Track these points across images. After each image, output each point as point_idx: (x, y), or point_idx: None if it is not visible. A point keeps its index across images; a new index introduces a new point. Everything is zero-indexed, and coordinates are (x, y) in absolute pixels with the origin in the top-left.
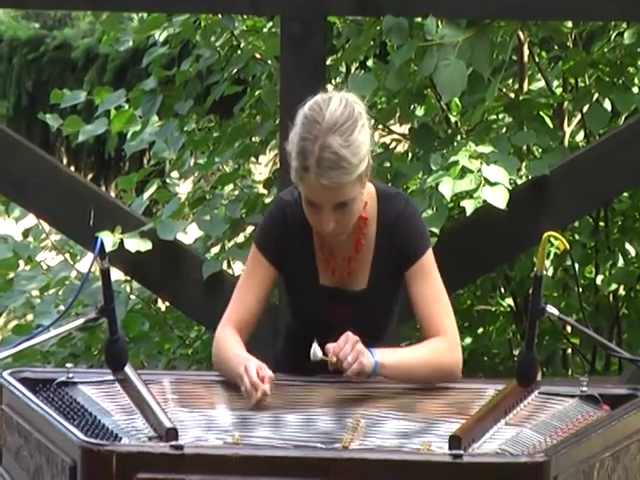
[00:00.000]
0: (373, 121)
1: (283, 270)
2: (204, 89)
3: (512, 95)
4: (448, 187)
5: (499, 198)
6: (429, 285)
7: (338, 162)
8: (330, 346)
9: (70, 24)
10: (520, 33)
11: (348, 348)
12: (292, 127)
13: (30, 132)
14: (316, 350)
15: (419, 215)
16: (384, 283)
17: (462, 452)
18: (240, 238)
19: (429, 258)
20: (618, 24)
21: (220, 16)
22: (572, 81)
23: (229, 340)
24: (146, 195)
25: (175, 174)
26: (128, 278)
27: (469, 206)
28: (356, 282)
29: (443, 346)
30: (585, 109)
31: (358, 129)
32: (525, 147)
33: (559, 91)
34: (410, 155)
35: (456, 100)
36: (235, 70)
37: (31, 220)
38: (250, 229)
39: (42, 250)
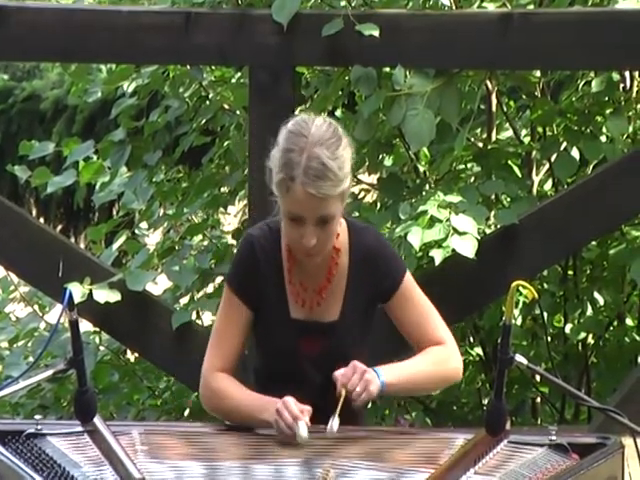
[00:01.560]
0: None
1: (255, 308)
2: (173, 140)
3: (480, 144)
4: (417, 237)
5: (468, 247)
6: (416, 307)
7: (325, 172)
8: (338, 375)
9: (39, 75)
10: (488, 82)
11: (356, 379)
12: (273, 145)
13: None
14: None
15: (389, 245)
16: (356, 314)
17: None
18: (209, 288)
19: (408, 280)
20: (586, 73)
21: (189, 67)
22: (540, 130)
23: (230, 386)
24: (115, 246)
25: (144, 225)
26: (97, 329)
27: (438, 256)
28: (327, 314)
29: (443, 353)
30: (553, 158)
31: (342, 146)
32: (494, 196)
33: (527, 140)
34: (379, 205)
35: (424, 150)
36: (204, 121)
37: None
38: (219, 279)
39: (11, 302)
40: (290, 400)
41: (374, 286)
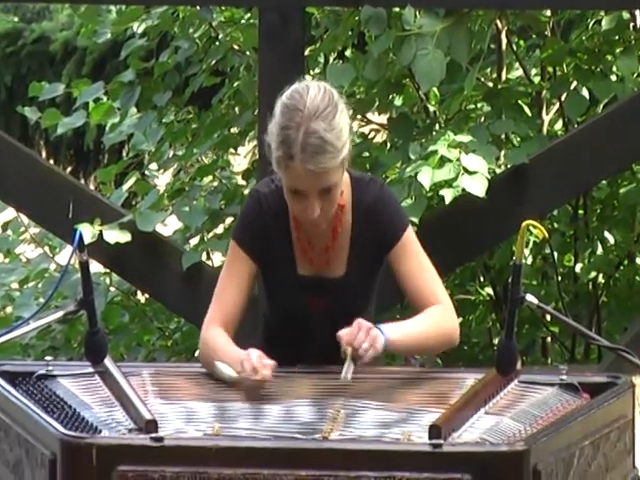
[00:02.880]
0: (352, 111)
1: (262, 263)
2: (182, 81)
3: (490, 84)
4: (427, 176)
5: (478, 187)
6: (414, 260)
7: (323, 146)
8: (342, 334)
9: (48, 17)
10: (498, 22)
11: (362, 336)
12: (270, 118)
13: (9, 125)
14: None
15: (394, 198)
16: (362, 269)
17: (442, 442)
18: (219, 229)
19: (410, 235)
20: (596, 12)
21: (198, 8)
22: (550, 70)
23: (219, 340)
24: (125, 187)
25: (154, 166)
26: (107, 270)
27: (448, 195)
28: (334, 270)
29: (441, 314)
30: (563, 97)
31: (339, 114)
32: (504, 136)
33: (537, 79)
34: (389, 145)
35: (434, 89)
36: (213, 62)
37: (10, 213)
38: (229, 220)
39: (21, 243)
40: (252, 353)
41: (377, 239)
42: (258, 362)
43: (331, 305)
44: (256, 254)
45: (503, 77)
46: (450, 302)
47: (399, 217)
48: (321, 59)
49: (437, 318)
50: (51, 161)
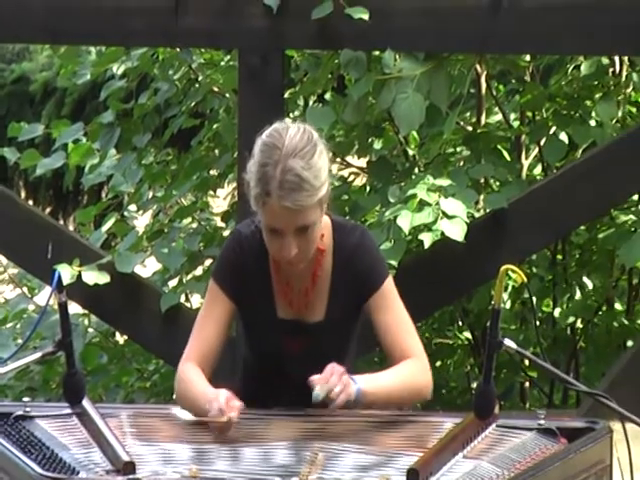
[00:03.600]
0: (331, 154)
1: (241, 304)
2: (162, 122)
3: (470, 128)
4: (406, 220)
5: (457, 231)
6: (393, 312)
7: (300, 184)
8: (315, 378)
9: (28, 58)
10: (478, 66)
11: (335, 379)
12: (249, 158)
13: None
14: (318, 392)
15: (376, 246)
16: (341, 315)
17: None
18: (198, 271)
19: (389, 285)
20: (575, 58)
21: (178, 50)
22: (529, 114)
23: (193, 377)
24: (104, 228)
25: (133, 207)
26: (86, 311)
27: (427, 239)
28: (313, 314)
29: (416, 368)
30: (542, 142)
31: (318, 154)
32: (483, 180)
33: (516, 124)
34: (368, 188)
35: (414, 133)
36: (193, 103)
37: None
38: (208, 262)
39: (0, 283)
40: (222, 394)
41: (357, 286)
42: (225, 403)
43: (310, 349)
44: (235, 295)
45: (482, 121)
46: (425, 356)
47: (380, 266)
48: (301, 102)
49: (411, 372)
50: (30, 202)
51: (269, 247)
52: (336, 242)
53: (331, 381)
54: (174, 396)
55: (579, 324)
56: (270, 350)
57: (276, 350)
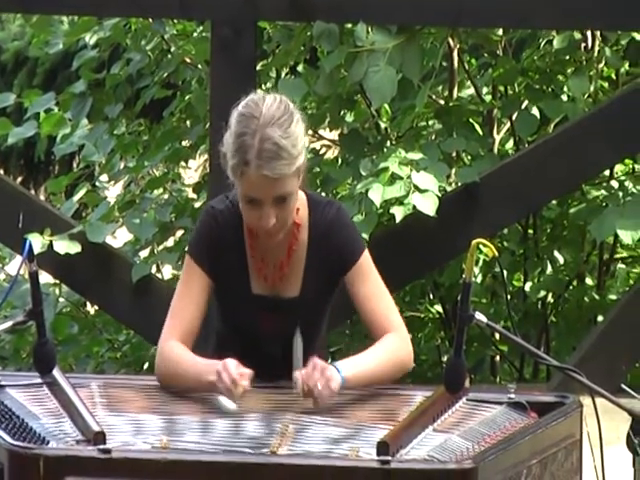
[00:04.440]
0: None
1: (216, 279)
2: (134, 93)
3: (442, 102)
4: (378, 193)
5: (428, 205)
6: (371, 284)
7: (278, 152)
8: (298, 375)
9: (0, 27)
10: (450, 40)
11: (317, 375)
12: (225, 129)
13: None
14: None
15: (352, 222)
16: (317, 290)
17: (390, 458)
18: (170, 242)
19: (367, 259)
20: (547, 32)
21: (151, 20)
22: (502, 88)
23: (180, 353)
24: (75, 198)
25: (105, 177)
26: (57, 281)
27: (399, 213)
28: (288, 290)
29: (397, 342)
30: (514, 116)
31: (294, 123)
32: (455, 154)
33: (488, 98)
34: (340, 161)
35: (386, 106)
36: (165, 74)
37: None
38: (180, 233)
39: None
40: (231, 362)
41: (333, 261)
42: (236, 373)
43: (284, 324)
44: (211, 270)
45: (454, 95)
46: (404, 327)
47: (356, 240)
48: (273, 74)
49: (392, 348)
50: (1, 171)
51: (247, 219)
52: (312, 217)
53: (313, 377)
54: (157, 375)
55: (550, 298)
56: (244, 325)
57: (250, 325)
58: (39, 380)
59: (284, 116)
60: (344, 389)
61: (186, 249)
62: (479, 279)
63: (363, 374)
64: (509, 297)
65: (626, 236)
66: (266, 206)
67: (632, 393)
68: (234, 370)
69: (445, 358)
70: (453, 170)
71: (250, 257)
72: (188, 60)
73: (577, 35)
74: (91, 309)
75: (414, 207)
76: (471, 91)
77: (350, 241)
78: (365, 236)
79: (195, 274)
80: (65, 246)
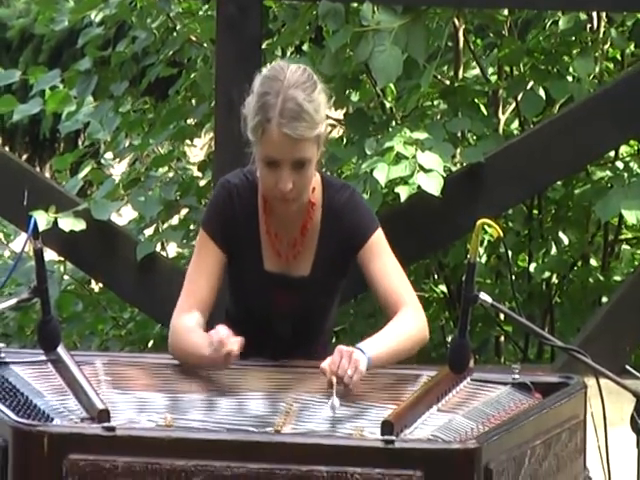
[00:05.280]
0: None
1: (230, 253)
2: (139, 71)
3: (447, 82)
4: (383, 173)
5: (433, 185)
6: (384, 260)
7: (301, 113)
8: (325, 365)
9: (5, 4)
10: (456, 20)
11: (345, 362)
12: (249, 92)
13: None
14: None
15: (365, 203)
16: (328, 270)
17: (394, 438)
18: (174, 220)
19: (379, 237)
20: (553, 13)
21: None
22: (507, 69)
23: (189, 328)
24: (80, 175)
25: (110, 155)
26: (62, 258)
27: (403, 192)
28: (300, 268)
29: (413, 316)
30: (520, 97)
31: (318, 91)
32: (460, 134)
33: (494, 78)
34: (345, 140)
35: (391, 86)
36: (171, 52)
37: None
38: (184, 211)
39: None
40: (221, 328)
41: (345, 240)
42: (225, 336)
43: (295, 303)
44: (225, 244)
45: (460, 75)
46: (417, 301)
47: (369, 219)
48: (278, 52)
49: (410, 324)
50: (6, 148)
51: (264, 183)
52: (326, 198)
53: (342, 365)
54: (150, 346)
55: (554, 279)
56: (255, 302)
57: (261, 302)
58: (43, 357)
59: (308, 82)
60: (370, 369)
61: (200, 222)
62: (484, 259)
63: (386, 353)
64: (514, 278)
65: (631, 216)
66: (285, 169)
67: (636, 374)
68: (223, 333)
69: (449, 338)
70: (458, 150)
71: (264, 233)
72: (193, 38)
73: (583, 16)
74: (96, 287)
75: (419, 187)
76: (476, 71)
77: (363, 221)
78: None
79: (208, 248)
80: (70, 223)
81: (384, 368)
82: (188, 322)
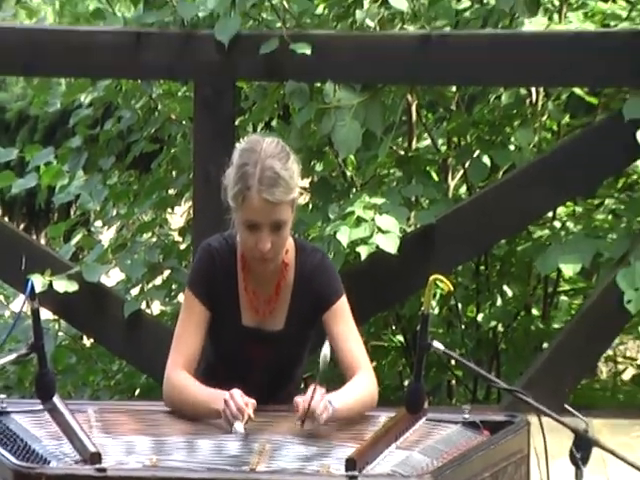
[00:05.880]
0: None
1: (212, 310)
2: (125, 147)
3: (402, 152)
4: (345, 235)
5: (391, 244)
6: (345, 325)
7: (278, 180)
8: (299, 400)
9: (4, 89)
10: (409, 96)
11: (318, 400)
12: (228, 165)
13: None
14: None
15: (333, 267)
16: (299, 324)
17: (357, 473)
18: (158, 280)
19: (343, 302)
20: (496, 88)
21: (139, 81)
22: (455, 139)
23: (188, 382)
24: (73, 242)
25: (99, 223)
26: (56, 317)
27: (364, 252)
28: (275, 323)
29: (367, 380)
30: (467, 164)
31: (291, 160)
32: (414, 198)
33: (444, 148)
34: (310, 206)
35: (352, 156)
36: (153, 130)
37: None
38: (167, 272)
39: None
40: (237, 392)
41: (314, 300)
42: (243, 402)
43: (270, 354)
44: (209, 302)
45: (413, 146)
46: (370, 366)
47: (336, 284)
48: (250, 128)
49: (367, 388)
50: (6, 218)
51: (245, 245)
52: (298, 260)
53: (314, 403)
54: (165, 401)
55: (500, 328)
56: (233, 354)
57: (239, 353)
58: (41, 406)
59: (282, 152)
60: (332, 419)
61: (186, 282)
62: (436, 311)
63: (347, 408)
64: (463, 327)
65: (568, 270)
66: (264, 230)
67: (574, 412)
68: (240, 400)
69: (406, 382)
70: (412, 213)
71: (242, 290)
72: (173, 117)
73: (523, 91)
74: (87, 342)
75: (377, 246)
76: (428, 142)
77: (331, 285)
78: None
79: (194, 306)
80: (64, 285)
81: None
82: (185, 377)
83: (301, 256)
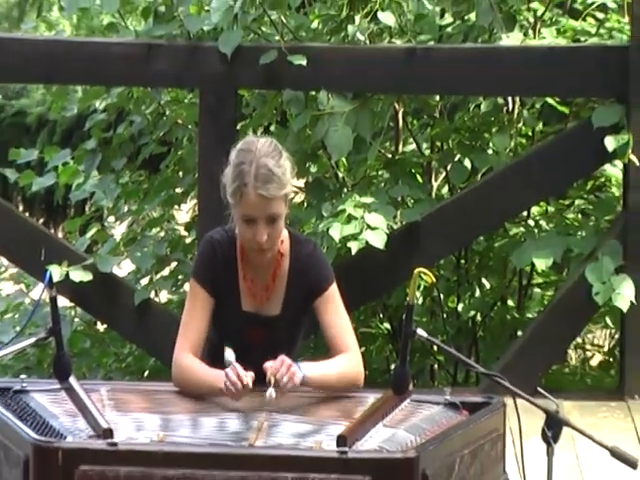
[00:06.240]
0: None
1: (215, 297)
2: (136, 149)
3: (389, 155)
4: (337, 231)
5: (379, 240)
6: (335, 312)
7: (272, 177)
8: (267, 366)
9: (26, 95)
10: (396, 104)
11: (284, 370)
12: (225, 166)
13: None
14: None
15: (325, 257)
16: (294, 310)
17: (347, 449)
18: (165, 272)
19: (334, 290)
20: (476, 97)
21: (149, 89)
22: (438, 144)
23: (194, 364)
24: (88, 236)
25: (112, 218)
26: (73, 304)
27: (354, 247)
28: (272, 309)
29: (350, 362)
30: (449, 167)
31: (283, 158)
32: (400, 198)
33: (428, 152)
34: (305, 204)
35: (343, 159)
36: (161, 133)
37: None
38: (174, 264)
39: (1, 281)
40: (237, 365)
41: (308, 287)
42: (242, 371)
43: (267, 337)
44: (212, 289)
45: (400, 150)
46: (358, 351)
47: (327, 273)
48: (250, 133)
49: (345, 365)
50: (27, 214)
51: (243, 237)
52: (293, 250)
53: (280, 371)
54: (174, 382)
55: (478, 317)
56: (234, 337)
57: (239, 338)
58: (58, 386)
59: (275, 151)
60: (302, 385)
61: (190, 273)
62: (420, 301)
63: (319, 377)
64: (445, 316)
65: (541, 264)
66: (260, 224)
67: (546, 395)
68: (240, 370)
69: (392, 367)
70: (399, 211)
71: (242, 279)
72: (180, 122)
73: (500, 100)
74: (101, 327)
75: (367, 242)
76: (413, 146)
77: (323, 273)
78: None
79: (199, 294)
80: (79, 275)
81: (323, 393)
82: (192, 360)
83: (295, 246)
